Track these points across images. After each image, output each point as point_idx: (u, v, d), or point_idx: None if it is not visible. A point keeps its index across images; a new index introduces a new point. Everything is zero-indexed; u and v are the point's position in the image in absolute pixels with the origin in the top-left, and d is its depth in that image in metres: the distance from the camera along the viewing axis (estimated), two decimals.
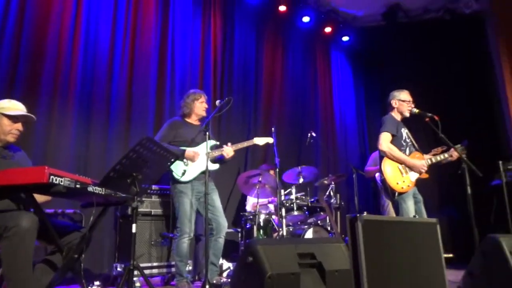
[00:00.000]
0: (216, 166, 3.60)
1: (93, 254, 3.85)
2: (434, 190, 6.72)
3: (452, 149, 3.47)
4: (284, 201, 4.37)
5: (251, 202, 5.00)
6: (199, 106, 3.69)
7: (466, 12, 6.60)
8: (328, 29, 6.99)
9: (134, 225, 2.05)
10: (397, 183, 3.33)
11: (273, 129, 4.68)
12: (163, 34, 4.96)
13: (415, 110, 3.60)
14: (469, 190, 3.05)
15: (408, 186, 3.35)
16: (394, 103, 3.67)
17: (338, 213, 4.87)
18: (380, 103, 6.97)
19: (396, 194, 3.30)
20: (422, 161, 3.41)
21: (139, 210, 3.75)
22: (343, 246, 2.21)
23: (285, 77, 6.41)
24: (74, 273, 2.11)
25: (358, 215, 1.28)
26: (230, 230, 4.89)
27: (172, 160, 2.37)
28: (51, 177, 1.86)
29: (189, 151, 3.44)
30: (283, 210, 4.25)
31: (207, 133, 3.19)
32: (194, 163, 3.47)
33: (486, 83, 6.09)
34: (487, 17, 5.99)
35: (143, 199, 3.77)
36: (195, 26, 5.34)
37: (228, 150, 3.57)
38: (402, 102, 3.64)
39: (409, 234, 1.46)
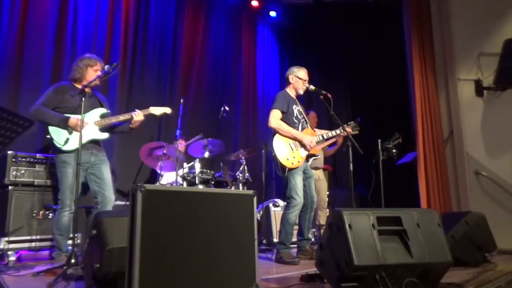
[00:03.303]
0: (105, 135, 3.40)
1: None
2: (347, 167, 7.04)
3: (344, 126, 3.56)
4: (186, 175, 4.29)
5: (166, 176, 4.85)
6: (92, 74, 3.38)
7: None
8: (255, 3, 6.85)
9: None
10: (287, 159, 3.37)
11: (181, 100, 4.56)
12: None
13: (312, 87, 3.64)
14: (351, 167, 3.16)
15: (299, 162, 3.40)
16: (291, 78, 3.68)
17: (245, 187, 4.90)
18: None
19: (287, 170, 3.34)
20: (312, 137, 3.47)
21: (20, 180, 3.49)
22: None
23: (206, 47, 6.21)
24: None
25: (139, 184, 1.20)
26: None
27: (26, 125, 2.16)
28: None
29: (73, 118, 3.20)
30: (185, 184, 4.18)
31: (83, 100, 2.94)
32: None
33: (400, 70, 6.34)
34: (404, 3, 6.17)
35: (24, 168, 3.50)
36: None
37: (138, 113, 3.36)
38: (299, 79, 3.65)
39: (206, 204, 1.40)
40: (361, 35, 7.02)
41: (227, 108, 5.07)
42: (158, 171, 4.57)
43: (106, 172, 3.39)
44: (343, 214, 1.95)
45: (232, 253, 1.44)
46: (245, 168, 5.02)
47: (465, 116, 5.44)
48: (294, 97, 3.71)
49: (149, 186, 1.21)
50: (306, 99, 6.41)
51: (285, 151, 3.41)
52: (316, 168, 5.36)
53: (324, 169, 5.87)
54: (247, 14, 6.93)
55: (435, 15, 5.95)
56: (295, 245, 3.74)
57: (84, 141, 3.23)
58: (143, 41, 5.36)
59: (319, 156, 5.29)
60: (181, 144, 5.01)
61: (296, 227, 3.60)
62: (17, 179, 3.45)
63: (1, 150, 2.21)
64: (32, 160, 3.56)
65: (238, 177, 4.91)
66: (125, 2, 5.13)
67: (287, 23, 7.39)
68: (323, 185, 5.58)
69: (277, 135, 3.47)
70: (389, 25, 6.71)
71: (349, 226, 1.91)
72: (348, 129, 3.59)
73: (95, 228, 1.90)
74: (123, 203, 4.17)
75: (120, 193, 4.45)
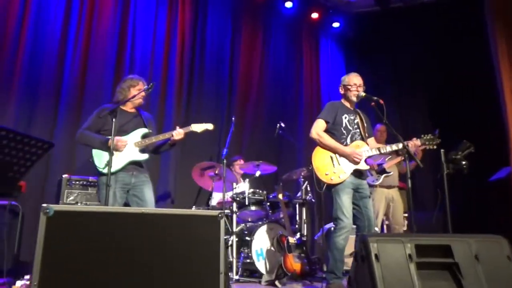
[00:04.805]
0: (145, 156, 3.36)
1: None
2: (430, 185, 6.17)
3: (405, 142, 3.03)
4: (235, 195, 4.09)
5: (217, 197, 4.75)
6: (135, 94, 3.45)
7: None
8: (315, 15, 6.58)
9: None
10: (326, 174, 2.99)
11: (233, 118, 4.44)
12: (123, 19, 4.81)
13: (362, 94, 3.27)
14: (409, 184, 2.65)
15: (339, 177, 2.99)
16: (340, 89, 3.42)
17: (303, 209, 4.52)
18: (376, 94, 6.48)
19: (325, 186, 2.97)
20: (359, 149, 3.05)
21: (73, 202, 3.62)
22: None
23: (265, 64, 6.10)
24: None
25: (44, 205, 1.00)
26: None
27: (45, 147, 2.17)
28: None
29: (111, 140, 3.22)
30: (234, 205, 4.00)
31: (114, 120, 2.94)
32: (121, 153, 3.26)
33: (485, 72, 5.46)
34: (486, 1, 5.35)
35: (78, 191, 3.64)
36: (160, 10, 5.12)
37: (178, 132, 3.31)
38: (347, 87, 3.31)
39: (145, 228, 1.12)
40: (434, 40, 6.30)
41: (282, 125, 4.81)
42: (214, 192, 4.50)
43: (148, 193, 3.32)
44: (369, 241, 1.54)
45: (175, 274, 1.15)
46: (307, 188, 4.67)
47: None
48: (349, 107, 3.39)
49: (57, 207, 1.01)
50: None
51: (324, 164, 3.04)
52: (389, 187, 4.78)
53: (399, 188, 5.18)
54: (307, 27, 6.68)
55: None
56: None
57: (123, 163, 3.24)
58: (200, 61, 5.43)
59: (392, 173, 4.70)
60: (238, 165, 4.86)
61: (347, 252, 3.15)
62: (70, 202, 3.59)
63: (25, 173, 2.23)
64: (85, 183, 3.70)
65: (298, 197, 4.59)
66: (181, 23, 5.25)
67: (352, 33, 6.95)
68: (399, 206, 4.89)
69: (317, 146, 3.15)
70: (469, 27, 5.90)
71: (376, 256, 1.50)
72: (414, 143, 3.03)
73: None
74: None
75: None
